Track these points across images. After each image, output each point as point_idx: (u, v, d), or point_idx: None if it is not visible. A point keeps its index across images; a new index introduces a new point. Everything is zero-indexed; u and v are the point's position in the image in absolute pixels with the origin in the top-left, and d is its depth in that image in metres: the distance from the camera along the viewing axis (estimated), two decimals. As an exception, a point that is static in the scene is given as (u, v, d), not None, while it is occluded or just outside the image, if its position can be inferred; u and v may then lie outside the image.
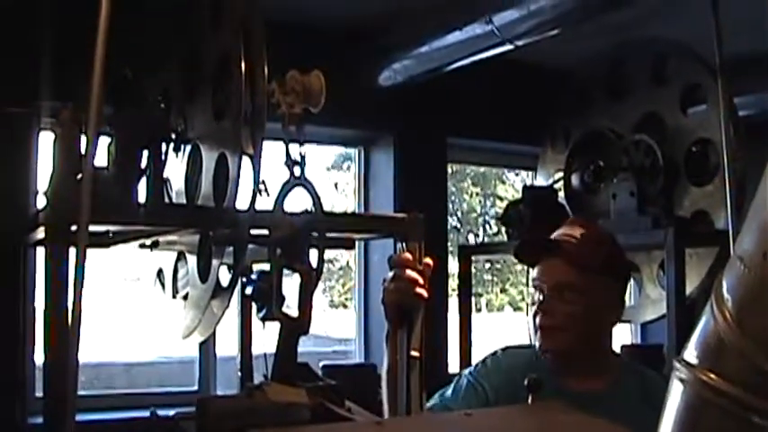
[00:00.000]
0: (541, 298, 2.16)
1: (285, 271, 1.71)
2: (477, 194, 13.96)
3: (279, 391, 1.49)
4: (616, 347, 2.37)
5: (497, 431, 1.60)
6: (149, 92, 2.55)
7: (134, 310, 4.85)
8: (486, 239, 10.88)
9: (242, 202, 2.08)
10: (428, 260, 1.93)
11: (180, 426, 1.54)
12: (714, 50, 3.14)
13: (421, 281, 1.87)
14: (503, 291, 15.60)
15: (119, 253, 2.75)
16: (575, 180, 4.17)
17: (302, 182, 1.74)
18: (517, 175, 8.57)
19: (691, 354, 0.84)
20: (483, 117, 4.73)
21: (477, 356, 4.11)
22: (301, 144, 1.75)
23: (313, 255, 1.76)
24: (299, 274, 1.70)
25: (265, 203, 1.88)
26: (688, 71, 3.72)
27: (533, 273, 2.22)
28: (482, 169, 12.40)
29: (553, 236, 2.22)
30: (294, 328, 1.71)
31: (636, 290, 4.51)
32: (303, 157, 1.74)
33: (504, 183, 13.75)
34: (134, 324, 5.35)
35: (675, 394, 0.85)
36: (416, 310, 1.89)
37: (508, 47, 3.42)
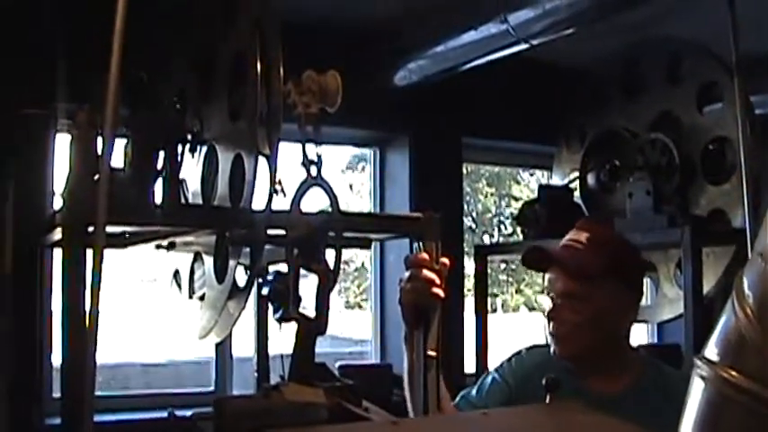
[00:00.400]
0: (551, 305, 2.18)
1: (302, 272, 1.71)
2: (491, 195, 13.95)
3: (296, 391, 1.49)
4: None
5: (513, 430, 1.59)
6: (165, 93, 2.56)
7: (151, 312, 4.86)
8: (501, 240, 10.85)
9: (258, 203, 2.08)
10: (445, 260, 1.93)
11: (197, 426, 1.55)
12: (730, 48, 3.14)
13: (438, 281, 1.88)
14: (518, 291, 15.57)
15: (135, 254, 2.75)
16: (590, 179, 4.16)
17: (319, 182, 1.75)
18: (532, 175, 8.55)
19: (712, 351, 0.84)
20: (498, 117, 4.73)
21: (493, 356, 4.13)
22: (318, 144, 1.75)
23: (330, 255, 1.76)
24: (317, 275, 1.71)
25: (282, 204, 1.89)
26: (704, 69, 3.71)
27: (546, 281, 2.23)
28: (497, 170, 12.37)
29: (562, 241, 2.22)
30: (311, 329, 1.71)
31: (653, 289, 4.50)
32: (320, 157, 1.74)
33: (518, 183, 13.72)
34: (151, 325, 5.36)
35: (696, 391, 0.84)
36: (433, 310, 1.90)
37: (523, 46, 3.42)
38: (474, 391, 2.26)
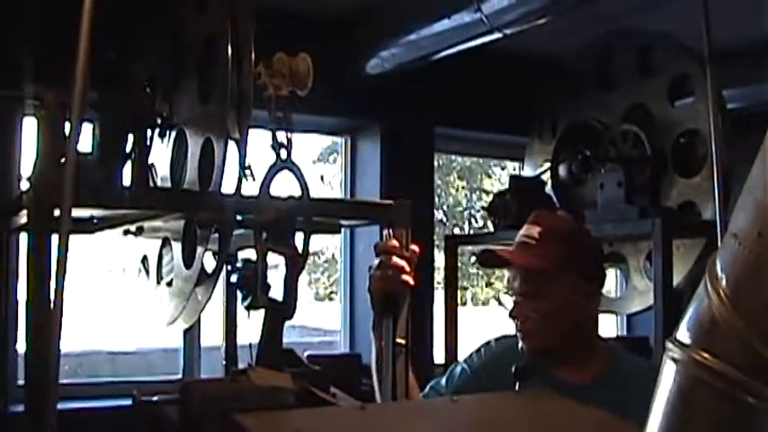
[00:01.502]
0: (513, 303, 2.19)
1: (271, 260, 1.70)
2: (462, 188, 13.98)
3: (263, 376, 1.47)
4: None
5: (481, 416, 1.59)
6: (134, 76, 2.52)
7: (118, 300, 4.82)
8: (471, 232, 10.87)
9: (228, 188, 2.06)
10: (414, 247, 1.93)
11: (163, 410, 1.53)
12: (702, 41, 3.14)
13: (407, 268, 1.87)
14: (488, 285, 15.62)
15: (103, 243, 2.72)
16: (562, 170, 4.16)
17: (289, 165, 1.73)
18: (503, 168, 8.57)
19: (683, 334, 0.83)
20: (471, 107, 4.72)
21: (462, 349, 4.12)
22: (288, 128, 1.74)
23: (299, 240, 1.75)
24: (284, 258, 1.69)
25: (252, 189, 1.87)
26: (676, 62, 3.71)
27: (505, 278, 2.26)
28: (468, 163, 12.40)
29: (517, 237, 2.22)
30: (279, 314, 1.69)
31: (622, 281, 4.51)
32: (290, 141, 1.73)
33: (490, 177, 13.75)
34: (119, 314, 5.33)
35: (668, 374, 0.83)
36: (403, 298, 1.90)
37: (497, 35, 3.40)
38: (443, 381, 2.26)
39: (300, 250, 1.70)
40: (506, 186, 4.16)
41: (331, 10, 4.05)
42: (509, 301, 2.24)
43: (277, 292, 1.72)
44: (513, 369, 1.82)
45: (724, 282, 0.79)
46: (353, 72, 4.18)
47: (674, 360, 0.82)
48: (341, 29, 4.12)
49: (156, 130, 2.44)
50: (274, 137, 1.70)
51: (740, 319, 0.77)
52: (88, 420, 3.64)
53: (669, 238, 3.00)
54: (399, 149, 4.62)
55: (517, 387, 1.83)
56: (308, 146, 4.75)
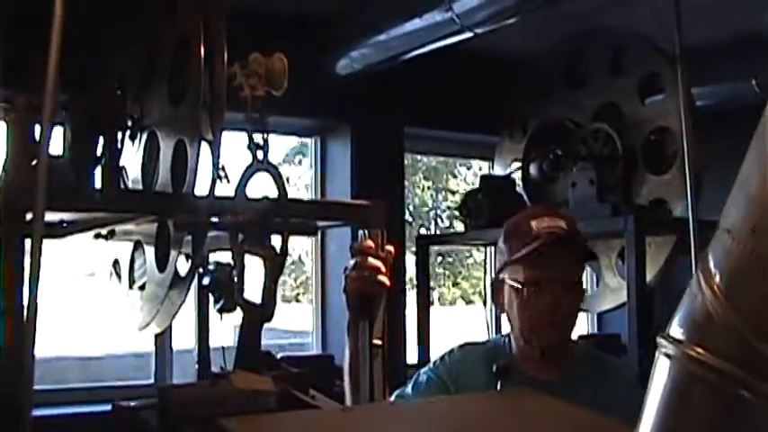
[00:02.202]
0: (551, 292, 2.09)
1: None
2: (428, 188, 14.00)
3: (244, 379, 1.45)
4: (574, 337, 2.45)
5: (463, 416, 1.58)
6: (105, 78, 2.49)
7: (89, 305, 4.77)
8: (438, 232, 10.88)
9: (201, 190, 2.04)
10: (390, 247, 1.91)
11: (141, 416, 1.50)
12: (672, 39, 3.15)
13: (383, 268, 1.86)
14: (455, 284, 15.67)
15: (74, 247, 2.68)
16: (533, 169, 4.17)
17: (265, 166, 1.71)
18: (469, 168, 8.58)
19: (676, 330, 0.83)
20: (441, 107, 4.72)
21: (435, 349, 4.12)
22: (264, 129, 1.72)
23: (276, 241, 1.73)
24: (263, 260, 1.67)
25: (226, 191, 1.85)
26: (646, 60, 3.74)
27: (528, 271, 2.11)
28: (434, 163, 12.41)
29: (542, 230, 2.11)
30: (257, 316, 1.68)
31: (593, 278, 4.53)
32: (266, 141, 1.71)
33: (455, 176, 13.78)
34: (89, 319, 5.27)
35: (661, 371, 0.83)
36: (379, 299, 1.88)
37: (468, 34, 3.40)
38: (409, 390, 2.23)
39: (278, 251, 1.68)
40: (473, 186, 4.16)
41: (301, 11, 4.03)
42: (516, 292, 2.15)
43: (254, 295, 1.70)
44: (494, 368, 1.81)
45: (718, 277, 0.79)
46: (323, 73, 4.16)
47: (667, 356, 0.82)
48: (310, 30, 4.10)
49: (127, 133, 2.42)
50: (251, 138, 1.68)
51: (735, 315, 0.77)
52: (61, 427, 3.59)
53: (642, 236, 3.02)
54: (369, 150, 4.61)
55: (498, 385, 1.82)
56: (274, 146, 4.68)
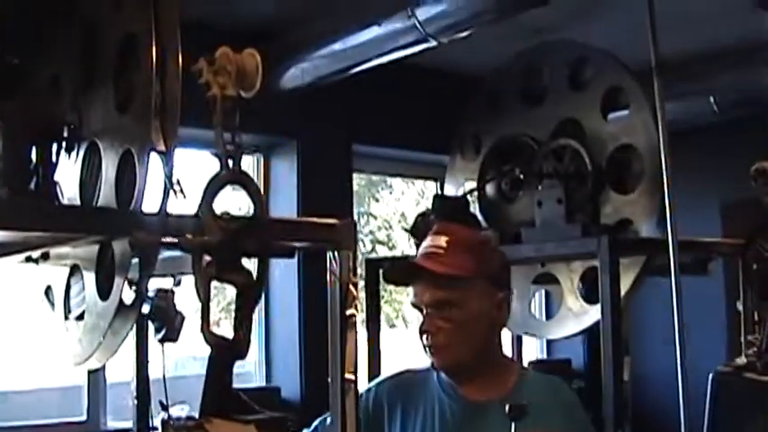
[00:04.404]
0: (422, 318, 2.17)
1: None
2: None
3: (223, 428, 1.22)
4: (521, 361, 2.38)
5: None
6: (38, 81, 2.23)
7: (10, 334, 4.43)
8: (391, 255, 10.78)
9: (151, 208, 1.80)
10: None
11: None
12: (633, 54, 3.05)
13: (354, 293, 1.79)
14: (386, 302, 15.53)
15: (-1, 272, 2.43)
16: (489, 189, 3.98)
17: (237, 177, 1.48)
18: (391, 193, 8.41)
19: None
20: (390, 124, 4.55)
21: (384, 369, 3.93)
22: (235, 133, 1.50)
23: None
24: (236, 288, 1.44)
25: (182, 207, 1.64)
26: (608, 75, 3.58)
27: (411, 293, 2.21)
28: (356, 187, 12.25)
29: (421, 250, 2.22)
30: (228, 352, 1.44)
31: (544, 303, 4.37)
32: (239, 147, 1.48)
33: (377, 201, 13.67)
34: (12, 349, 4.92)
35: None
36: (350, 330, 1.81)
37: (432, 43, 3.20)
38: (329, 421, 2.15)
39: (255, 278, 1.45)
40: (394, 213, 4.01)
41: (245, 20, 3.81)
42: (415, 316, 2.23)
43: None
44: (507, 409, 1.70)
45: None
46: (269, 85, 3.92)
47: None
48: (255, 39, 3.87)
49: (63, 144, 2.16)
50: (221, 144, 1.45)
51: None
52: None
53: (616, 257, 2.84)
54: (316, 168, 4.40)
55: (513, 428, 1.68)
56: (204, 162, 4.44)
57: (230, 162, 1.48)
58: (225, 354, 1.42)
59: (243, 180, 1.47)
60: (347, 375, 1.79)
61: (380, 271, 4.06)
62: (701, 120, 4.51)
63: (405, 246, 6.39)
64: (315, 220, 2.02)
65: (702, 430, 2.71)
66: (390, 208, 7.03)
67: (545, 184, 3.32)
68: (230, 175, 1.47)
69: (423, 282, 2.17)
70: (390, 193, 8.67)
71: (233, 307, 1.46)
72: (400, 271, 2.32)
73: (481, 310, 2.16)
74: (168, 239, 1.52)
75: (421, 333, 2.17)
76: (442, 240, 2.19)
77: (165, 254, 1.79)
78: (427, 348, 2.18)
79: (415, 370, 2.34)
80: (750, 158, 2.96)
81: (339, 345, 1.88)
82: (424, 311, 2.16)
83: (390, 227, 6.65)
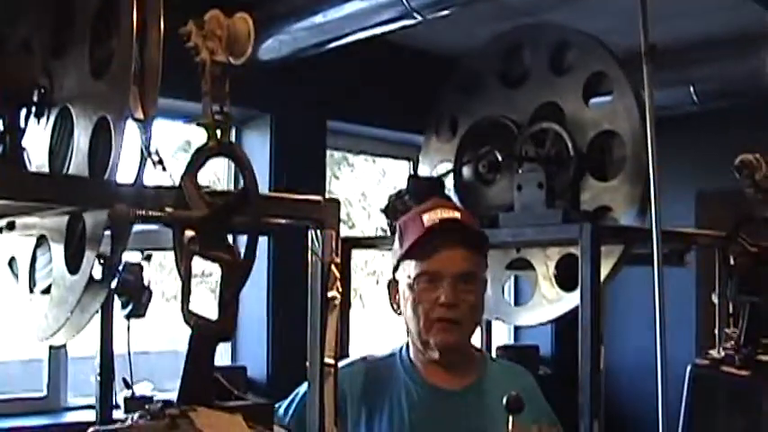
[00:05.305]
0: (445, 290, 2.03)
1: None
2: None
3: (208, 418, 1.13)
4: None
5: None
6: (7, 42, 2.12)
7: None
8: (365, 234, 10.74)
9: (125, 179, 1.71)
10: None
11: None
12: (615, 40, 3.00)
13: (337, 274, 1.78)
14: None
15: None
16: (466, 171, 3.91)
17: (225, 149, 1.40)
18: (352, 172, 8.34)
19: None
20: (366, 101, 4.46)
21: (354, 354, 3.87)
22: (224, 102, 1.41)
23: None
24: (221, 266, 1.36)
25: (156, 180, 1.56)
26: (592, 60, 3.52)
27: (422, 265, 2.07)
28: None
29: (435, 221, 2.08)
30: (211, 333, 1.36)
31: (524, 289, 4.32)
32: (227, 116, 1.39)
33: (338, 179, 13.59)
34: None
35: None
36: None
37: (415, 20, 3.11)
38: (281, 411, 2.14)
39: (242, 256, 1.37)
40: (355, 195, 3.94)
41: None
42: (409, 291, 2.10)
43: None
44: (504, 401, 1.64)
45: None
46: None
47: None
48: (239, 8, 3.77)
49: (33, 108, 2.06)
50: (209, 113, 1.36)
51: None
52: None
53: (598, 245, 2.79)
54: (290, 143, 4.30)
55: (510, 420, 1.63)
56: (170, 134, 4.33)
57: (218, 133, 1.38)
58: (207, 335, 1.34)
59: (233, 152, 1.39)
60: (326, 359, 1.73)
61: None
62: (679, 109, 4.48)
63: (364, 225, 6.31)
64: (299, 197, 1.95)
65: (678, 423, 2.67)
66: (351, 186, 6.98)
67: (525, 167, 3.25)
68: (219, 147, 1.37)
69: (456, 249, 2.06)
70: (351, 171, 8.61)
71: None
72: (453, 228, 2.07)
73: (482, 296, 2.13)
74: (150, 213, 1.42)
75: (444, 307, 2.03)
76: (457, 214, 2.10)
77: (136, 227, 1.71)
78: (435, 323, 2.05)
79: (377, 356, 2.26)
80: (728, 149, 2.91)
81: (319, 327, 1.83)
82: (445, 282, 2.03)
83: (351, 204, 6.57)
